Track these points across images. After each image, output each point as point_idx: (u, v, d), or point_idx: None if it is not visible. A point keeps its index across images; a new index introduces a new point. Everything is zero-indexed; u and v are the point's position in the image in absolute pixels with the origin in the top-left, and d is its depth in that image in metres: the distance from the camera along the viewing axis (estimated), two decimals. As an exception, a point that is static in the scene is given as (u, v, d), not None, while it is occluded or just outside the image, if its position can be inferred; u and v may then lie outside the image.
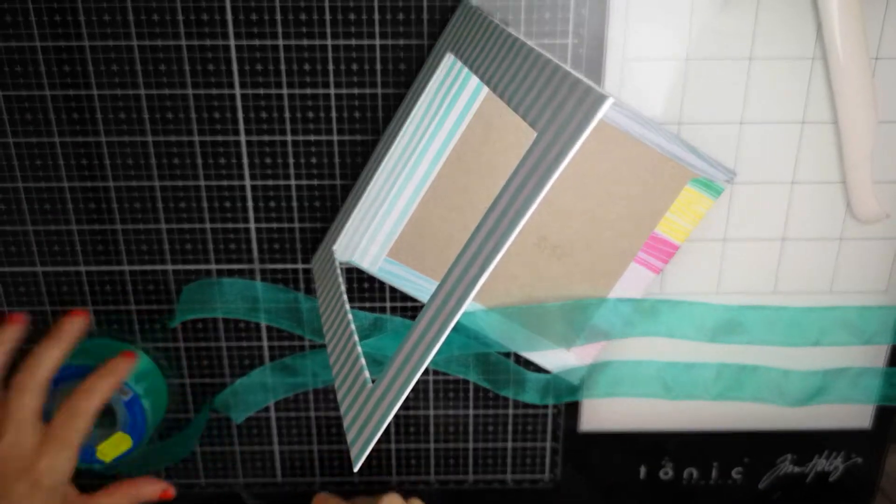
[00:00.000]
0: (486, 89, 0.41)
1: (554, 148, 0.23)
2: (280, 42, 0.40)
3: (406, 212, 0.43)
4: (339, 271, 0.40)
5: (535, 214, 0.43)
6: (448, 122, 0.41)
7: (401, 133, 0.40)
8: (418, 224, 0.44)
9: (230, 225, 0.43)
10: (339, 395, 0.33)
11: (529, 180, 0.24)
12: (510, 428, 0.49)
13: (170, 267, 0.44)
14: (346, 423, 0.31)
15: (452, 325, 0.26)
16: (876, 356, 0.47)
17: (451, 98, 0.41)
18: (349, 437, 0.30)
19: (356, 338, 0.34)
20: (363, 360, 0.32)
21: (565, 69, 0.25)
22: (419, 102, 0.39)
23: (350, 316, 0.36)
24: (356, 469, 0.28)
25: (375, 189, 0.42)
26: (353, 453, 0.29)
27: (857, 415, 0.49)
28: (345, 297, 0.37)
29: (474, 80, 0.40)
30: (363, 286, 0.45)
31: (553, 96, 0.25)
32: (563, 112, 0.24)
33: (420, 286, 0.45)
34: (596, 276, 0.44)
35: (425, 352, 0.27)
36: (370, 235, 0.44)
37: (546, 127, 0.24)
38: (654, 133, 0.41)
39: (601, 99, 0.22)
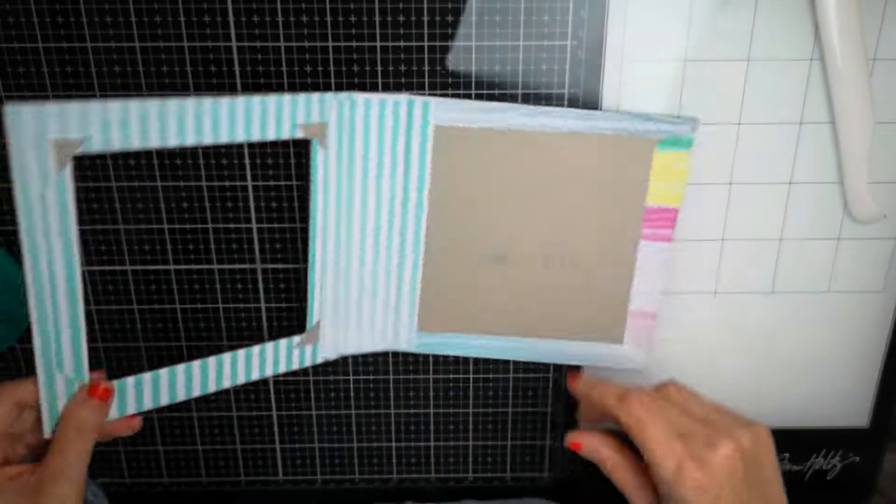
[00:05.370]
0: (432, 126, 0.41)
1: None
2: (281, 44, 0.40)
3: (414, 281, 0.44)
4: None
5: (531, 236, 0.43)
6: (412, 175, 0.42)
7: (356, 217, 0.41)
8: (430, 286, 0.44)
9: (231, 225, 0.44)
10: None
11: None
12: (510, 426, 0.49)
13: (171, 267, 0.45)
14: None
15: None
16: (873, 353, 0.48)
17: (401, 152, 0.41)
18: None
19: None
20: None
21: None
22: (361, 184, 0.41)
23: None
24: None
25: (368, 272, 0.43)
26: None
27: (854, 414, 0.49)
28: None
29: (417, 131, 0.41)
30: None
31: None
32: None
33: (464, 344, 0.45)
34: (613, 267, 0.44)
35: None
36: (393, 320, 0.44)
37: None
38: (599, 119, 0.41)
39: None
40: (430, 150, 0.41)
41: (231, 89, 0.41)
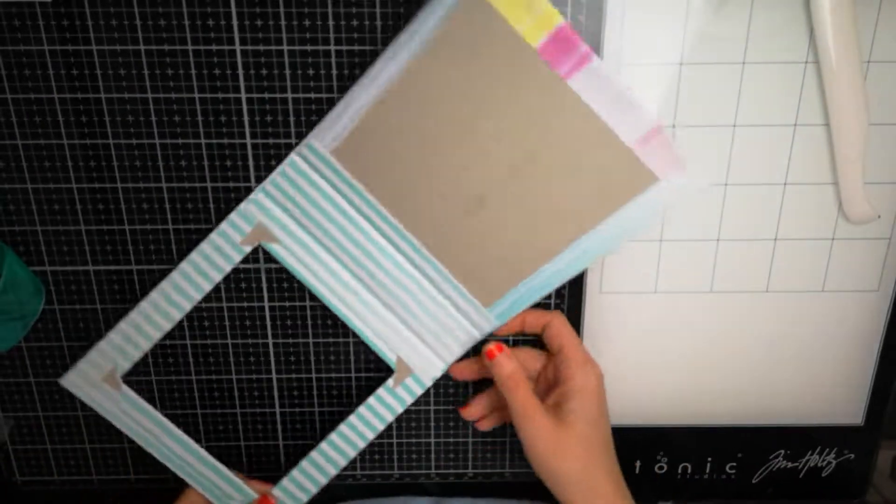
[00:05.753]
0: (328, 155, 0.42)
1: None
2: (284, 47, 0.40)
3: (441, 271, 0.44)
4: None
5: (482, 163, 0.41)
6: (356, 201, 0.42)
7: (347, 261, 0.44)
8: (455, 266, 0.44)
9: (235, 225, 0.44)
10: None
11: None
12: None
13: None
14: None
15: None
16: (867, 352, 0.48)
17: (333, 192, 0.42)
18: None
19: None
20: None
21: None
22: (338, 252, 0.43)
23: None
24: None
25: (400, 291, 0.44)
26: None
27: (849, 411, 0.50)
28: None
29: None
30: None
31: None
32: None
33: (529, 293, 0.45)
34: (572, 126, 0.40)
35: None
36: (459, 315, 0.45)
37: None
38: (417, 30, 0.39)
39: None
40: (346, 172, 0.42)
41: (234, 92, 0.41)
